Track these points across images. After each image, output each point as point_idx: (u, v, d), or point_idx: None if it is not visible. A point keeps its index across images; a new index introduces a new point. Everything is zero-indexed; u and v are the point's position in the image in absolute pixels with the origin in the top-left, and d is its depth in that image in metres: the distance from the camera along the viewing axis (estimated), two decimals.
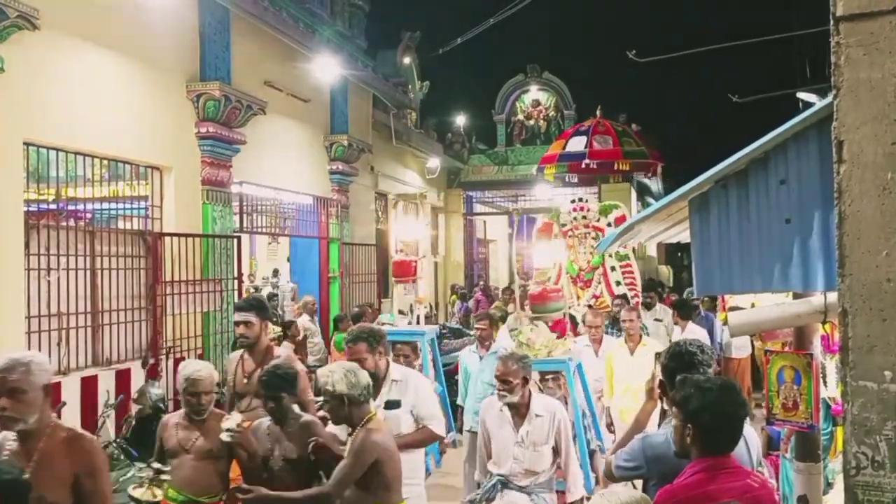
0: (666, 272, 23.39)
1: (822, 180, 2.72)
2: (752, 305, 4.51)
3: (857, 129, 2.08)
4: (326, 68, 11.23)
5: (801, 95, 13.79)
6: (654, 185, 21.86)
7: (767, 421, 3.41)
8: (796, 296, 3.26)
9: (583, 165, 12.79)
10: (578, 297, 10.81)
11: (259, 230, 12.82)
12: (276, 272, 17.21)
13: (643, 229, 3.67)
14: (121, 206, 8.71)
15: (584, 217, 11.12)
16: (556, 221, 10.84)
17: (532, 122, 21.06)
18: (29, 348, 6.74)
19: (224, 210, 9.55)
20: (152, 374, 7.65)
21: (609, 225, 10.71)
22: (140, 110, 8.21)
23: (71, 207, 8.63)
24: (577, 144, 13.42)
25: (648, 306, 10.15)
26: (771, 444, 5.95)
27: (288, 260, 15.75)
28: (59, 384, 6.73)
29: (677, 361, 3.28)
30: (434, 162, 18.17)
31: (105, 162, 7.96)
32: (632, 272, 10.71)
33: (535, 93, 21.36)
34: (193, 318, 8.78)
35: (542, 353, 5.34)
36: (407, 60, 16.79)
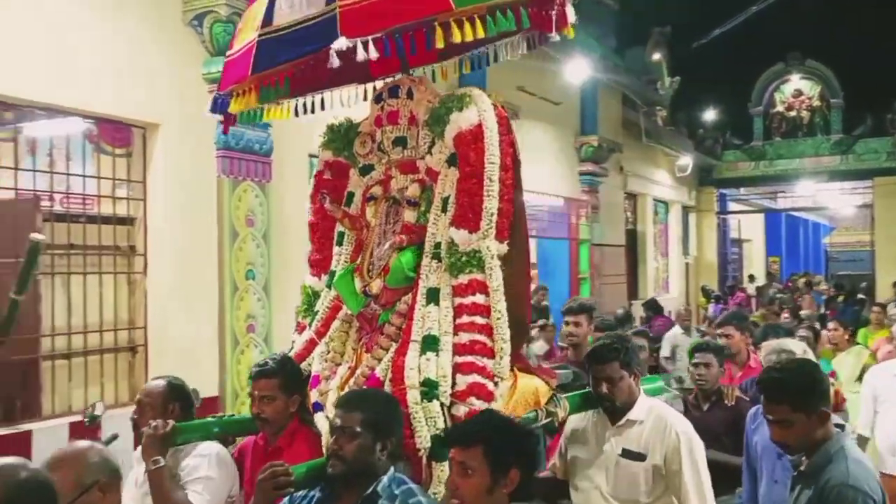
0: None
1: None
2: None
3: None
4: (577, 70, 11.29)
5: None
6: None
7: None
8: None
9: (332, 61, 2.39)
10: (356, 365, 2.89)
11: None
12: None
13: None
14: None
15: (399, 144, 2.98)
16: (352, 163, 3.18)
17: (793, 113, 19.60)
18: None
19: None
20: None
21: (451, 164, 2.78)
22: None
23: None
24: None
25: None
26: None
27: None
28: None
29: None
30: (685, 160, 17.62)
31: None
32: (485, 304, 2.71)
33: (796, 82, 19.68)
34: None
35: None
36: (657, 56, 16.43)
